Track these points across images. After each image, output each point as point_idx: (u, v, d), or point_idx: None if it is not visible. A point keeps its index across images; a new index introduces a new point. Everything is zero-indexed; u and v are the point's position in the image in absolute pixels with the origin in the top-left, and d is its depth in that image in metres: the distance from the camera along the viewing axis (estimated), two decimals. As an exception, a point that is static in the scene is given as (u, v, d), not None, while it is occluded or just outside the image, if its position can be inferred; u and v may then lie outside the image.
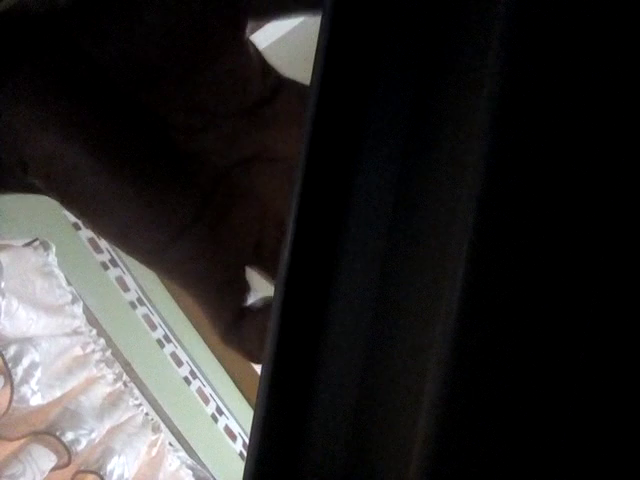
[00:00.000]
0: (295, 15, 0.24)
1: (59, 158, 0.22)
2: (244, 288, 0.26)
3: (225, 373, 1.94)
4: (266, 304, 0.26)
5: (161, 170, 0.23)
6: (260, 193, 0.26)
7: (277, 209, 0.26)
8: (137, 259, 0.24)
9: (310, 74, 0.20)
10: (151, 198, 0.23)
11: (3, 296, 1.14)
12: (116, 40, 0.22)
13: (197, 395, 1.78)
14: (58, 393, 1.27)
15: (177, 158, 0.24)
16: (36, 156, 0.22)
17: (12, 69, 0.22)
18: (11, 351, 1.16)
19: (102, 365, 1.43)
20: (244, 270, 0.26)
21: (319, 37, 0.19)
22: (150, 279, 1.80)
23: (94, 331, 1.45)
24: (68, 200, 0.24)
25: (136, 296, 1.73)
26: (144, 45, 0.22)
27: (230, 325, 0.26)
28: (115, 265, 1.70)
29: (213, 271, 0.25)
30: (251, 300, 0.26)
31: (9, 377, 1.14)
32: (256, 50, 0.25)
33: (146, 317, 1.73)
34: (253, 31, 0.24)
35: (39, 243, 1.37)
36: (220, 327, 0.26)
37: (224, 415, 1.85)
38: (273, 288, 0.21)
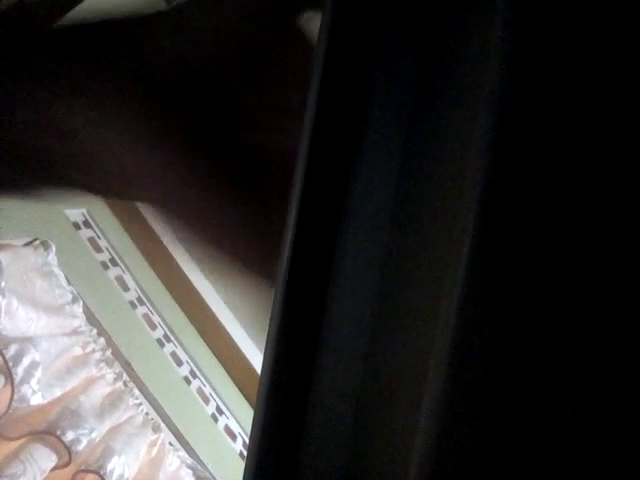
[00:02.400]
0: None
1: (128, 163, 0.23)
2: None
3: (225, 373, 1.94)
4: None
5: (223, 165, 0.24)
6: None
7: None
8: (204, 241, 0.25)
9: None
10: (218, 194, 0.23)
11: (3, 296, 1.14)
12: (191, 36, 0.22)
13: (197, 395, 1.77)
14: (58, 393, 1.27)
15: (237, 153, 0.25)
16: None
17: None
18: (11, 351, 1.16)
19: (102, 365, 1.43)
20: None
21: (319, 36, 0.19)
22: (150, 279, 1.80)
23: (94, 331, 1.45)
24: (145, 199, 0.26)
25: (136, 295, 1.73)
26: (219, 44, 0.23)
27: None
28: (115, 265, 1.70)
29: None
30: None
31: (9, 377, 1.14)
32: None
33: (146, 317, 1.73)
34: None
35: (39, 243, 1.37)
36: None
37: (224, 415, 1.85)
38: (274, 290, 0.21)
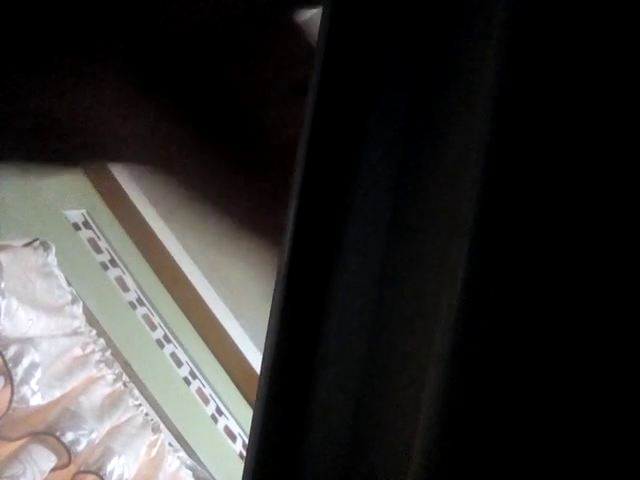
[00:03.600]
0: None
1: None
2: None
3: (225, 373, 1.94)
4: None
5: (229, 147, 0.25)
6: None
7: None
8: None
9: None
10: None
11: (3, 296, 1.14)
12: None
13: (197, 395, 1.77)
14: (58, 393, 1.27)
15: (241, 136, 0.25)
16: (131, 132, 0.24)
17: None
18: (11, 351, 1.16)
19: (102, 365, 1.43)
20: None
21: (319, 35, 0.19)
22: (150, 279, 1.79)
23: (94, 331, 1.45)
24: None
25: (136, 296, 1.73)
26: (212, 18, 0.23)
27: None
28: (115, 265, 1.70)
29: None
30: None
31: (9, 377, 1.14)
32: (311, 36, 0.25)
33: (146, 317, 1.73)
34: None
35: (39, 243, 1.37)
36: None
37: (224, 415, 1.85)
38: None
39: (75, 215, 1.59)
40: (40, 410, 1.25)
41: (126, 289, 1.70)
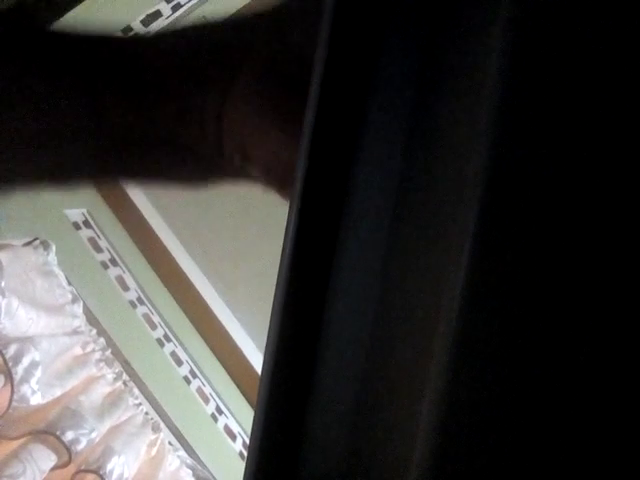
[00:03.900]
0: None
1: (281, 155, 0.24)
2: None
3: (225, 373, 1.94)
4: None
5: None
6: None
7: None
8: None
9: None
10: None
11: (3, 295, 1.14)
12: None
13: (197, 394, 1.77)
14: (58, 392, 1.27)
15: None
16: (259, 152, 0.25)
17: (241, 69, 0.24)
18: (11, 350, 1.16)
19: (102, 364, 1.43)
20: None
21: (320, 34, 0.19)
22: (150, 278, 1.80)
23: (94, 330, 1.45)
24: (286, 186, 0.26)
25: (136, 295, 1.73)
26: None
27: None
28: (115, 264, 1.70)
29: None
30: None
31: (9, 376, 1.14)
32: None
33: (146, 316, 1.73)
34: None
35: (39, 242, 1.37)
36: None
37: (224, 415, 1.85)
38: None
39: (75, 214, 1.59)
40: (40, 409, 1.25)
41: (126, 288, 1.70)
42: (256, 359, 1.85)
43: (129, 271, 1.74)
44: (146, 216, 1.73)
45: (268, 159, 0.25)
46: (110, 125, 0.25)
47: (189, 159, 0.27)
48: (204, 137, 0.25)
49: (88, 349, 1.41)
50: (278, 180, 0.26)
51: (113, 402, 1.40)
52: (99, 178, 0.29)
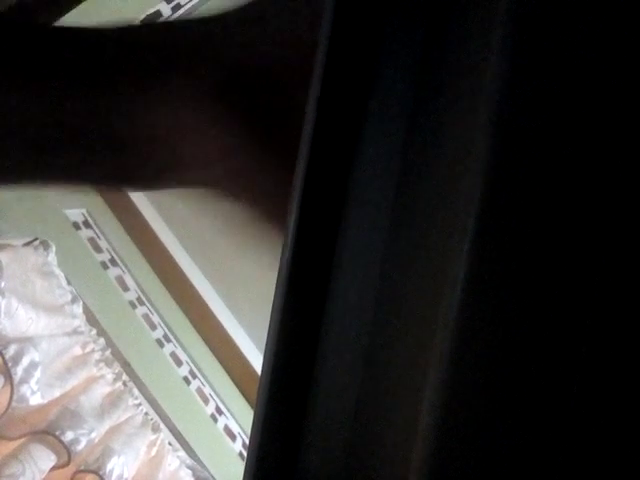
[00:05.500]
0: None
1: (228, 160, 0.23)
2: None
3: (225, 373, 1.94)
4: None
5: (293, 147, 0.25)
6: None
7: None
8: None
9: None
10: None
11: (3, 296, 1.14)
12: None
13: (197, 395, 1.77)
14: (58, 393, 1.27)
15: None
16: (201, 157, 0.23)
17: (173, 69, 0.23)
18: (11, 351, 1.16)
19: (102, 365, 1.43)
20: None
21: (320, 34, 0.19)
22: (150, 279, 1.79)
23: (94, 331, 1.45)
24: (234, 195, 0.26)
25: (136, 295, 1.73)
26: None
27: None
28: (115, 264, 1.70)
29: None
30: None
31: (9, 376, 1.14)
32: None
33: (146, 317, 1.73)
34: None
35: (39, 242, 1.37)
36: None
37: (224, 415, 1.85)
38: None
39: (75, 214, 1.59)
40: (40, 409, 1.24)
41: (126, 288, 1.70)
42: (256, 359, 1.85)
43: (129, 271, 1.74)
44: (146, 216, 1.73)
45: (212, 165, 0.23)
46: (60, 118, 0.24)
47: (135, 158, 0.25)
48: (153, 137, 0.24)
49: (88, 349, 1.41)
50: (231, 189, 0.25)
51: (113, 402, 1.40)
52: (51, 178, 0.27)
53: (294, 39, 0.23)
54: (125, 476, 1.34)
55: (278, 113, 0.24)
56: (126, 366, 1.52)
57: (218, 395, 1.87)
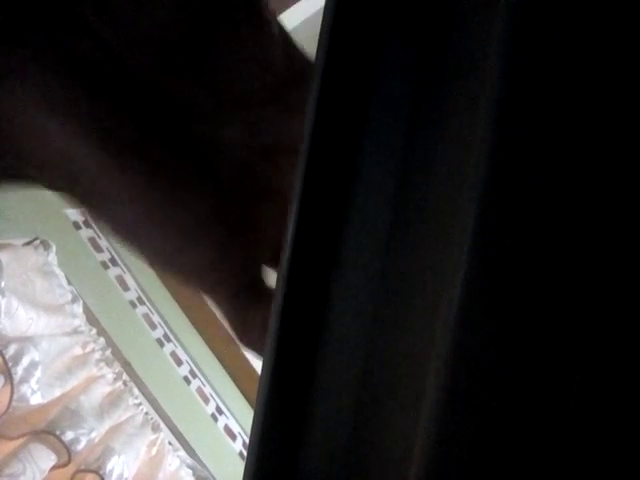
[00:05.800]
0: None
1: (64, 153, 0.19)
2: (262, 289, 0.24)
3: (225, 373, 1.94)
4: None
5: (176, 164, 0.21)
6: (283, 187, 0.24)
7: None
8: (149, 260, 0.23)
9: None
10: (163, 194, 0.21)
11: (3, 295, 1.14)
12: (127, 16, 0.20)
13: (197, 394, 1.77)
14: (58, 392, 1.27)
15: (196, 151, 0.22)
16: (35, 145, 0.19)
17: (17, 44, 0.18)
18: (11, 350, 1.16)
19: (102, 364, 1.43)
20: (261, 271, 0.25)
21: (320, 33, 0.19)
22: (150, 278, 1.80)
23: (94, 330, 1.45)
24: (73, 194, 0.22)
25: (136, 295, 1.73)
26: (157, 21, 0.20)
27: (248, 326, 0.25)
28: (115, 264, 1.70)
29: (232, 276, 0.23)
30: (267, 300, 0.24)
31: (9, 376, 1.14)
32: (281, 31, 0.23)
33: (146, 316, 1.73)
34: (279, 11, 0.23)
35: (39, 242, 1.37)
36: (238, 328, 0.25)
37: (224, 415, 1.85)
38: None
39: (75, 214, 1.59)
40: (40, 409, 1.25)
41: (126, 288, 1.70)
42: (256, 359, 1.85)
43: (129, 271, 1.74)
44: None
45: (45, 156, 0.19)
46: None
47: None
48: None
49: (88, 349, 1.41)
50: (63, 183, 0.20)
51: (113, 402, 1.40)
52: None
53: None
54: (125, 476, 1.34)
55: None
56: (126, 366, 1.52)
57: (218, 394, 1.87)
